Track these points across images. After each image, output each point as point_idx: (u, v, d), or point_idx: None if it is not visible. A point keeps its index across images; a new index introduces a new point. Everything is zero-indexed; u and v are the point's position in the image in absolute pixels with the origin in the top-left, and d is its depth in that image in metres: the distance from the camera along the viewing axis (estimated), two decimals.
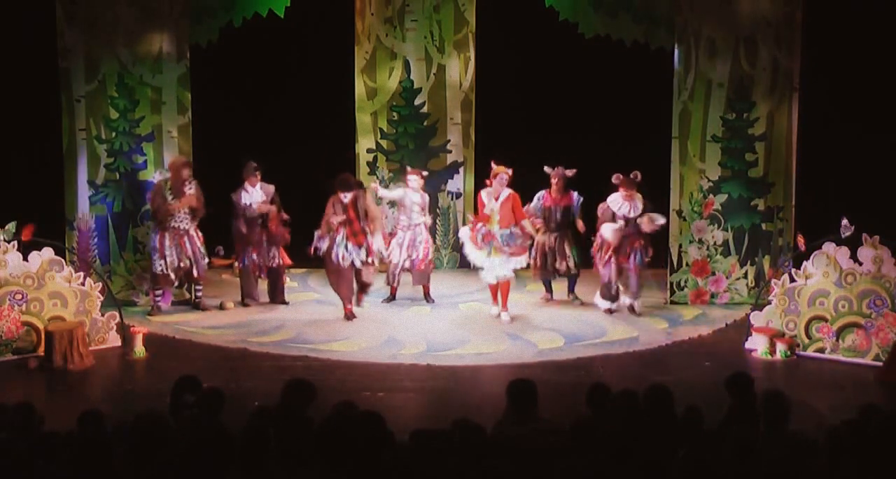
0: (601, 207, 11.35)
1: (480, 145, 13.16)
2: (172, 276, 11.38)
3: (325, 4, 12.88)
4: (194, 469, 5.43)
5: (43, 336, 10.01)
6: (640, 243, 11.29)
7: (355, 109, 13.30)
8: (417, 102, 13.33)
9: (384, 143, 13.37)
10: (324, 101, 13.50)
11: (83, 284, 10.35)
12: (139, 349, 10.23)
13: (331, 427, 5.82)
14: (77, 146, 11.69)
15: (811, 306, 10.20)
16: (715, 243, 11.87)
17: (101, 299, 10.46)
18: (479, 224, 11.23)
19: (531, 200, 11.63)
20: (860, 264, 10.01)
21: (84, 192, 11.75)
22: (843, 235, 10.02)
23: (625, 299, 11.55)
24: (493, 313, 11.55)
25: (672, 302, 11.88)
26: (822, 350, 10.18)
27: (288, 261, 11.94)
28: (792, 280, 10.30)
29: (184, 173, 11.30)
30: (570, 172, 11.49)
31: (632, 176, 11.18)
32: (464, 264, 13.35)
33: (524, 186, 11.69)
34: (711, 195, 11.80)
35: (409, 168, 12.28)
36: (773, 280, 10.70)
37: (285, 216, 11.78)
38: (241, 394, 8.71)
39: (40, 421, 6.46)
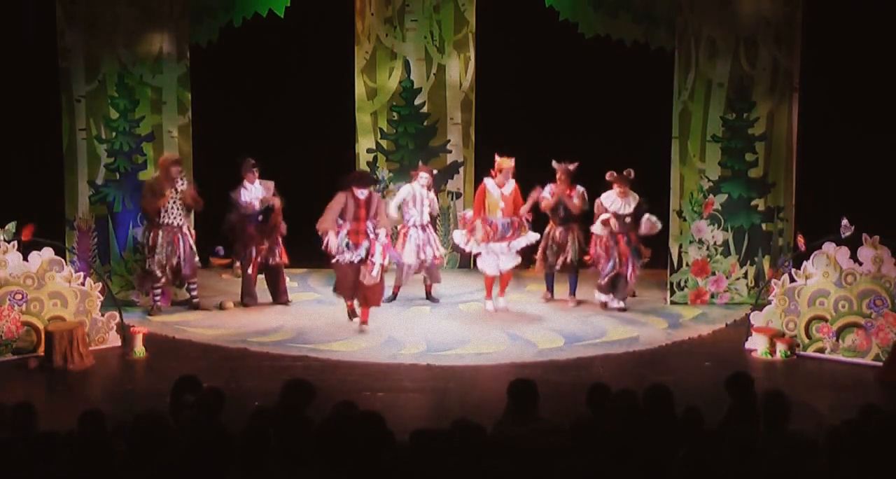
0: (596, 203, 11.44)
1: (480, 145, 13.17)
2: (159, 273, 11.34)
3: (325, 4, 12.88)
4: (194, 469, 5.43)
5: (43, 336, 10.00)
6: (635, 239, 11.37)
7: (355, 109, 13.30)
8: (417, 102, 13.33)
9: (384, 143, 13.38)
10: (324, 101, 13.51)
11: (83, 284, 10.35)
12: (139, 349, 10.22)
13: (331, 427, 5.82)
14: (77, 146, 11.70)
15: (811, 306, 10.20)
16: (715, 243, 11.87)
17: (101, 299, 10.46)
18: (477, 221, 11.41)
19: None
20: (860, 264, 10.01)
21: (84, 192, 11.76)
22: (843, 235, 10.02)
23: (613, 302, 11.62)
24: (489, 309, 11.65)
25: (672, 302, 11.88)
26: (822, 350, 10.18)
27: (285, 260, 11.92)
28: (792, 280, 10.30)
29: (172, 171, 11.28)
30: (571, 166, 11.52)
31: (625, 173, 11.28)
32: (464, 264, 13.41)
33: (523, 186, 11.74)
34: (711, 195, 11.80)
35: (420, 163, 12.32)
36: (773, 280, 10.70)
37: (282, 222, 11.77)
38: (241, 394, 8.70)
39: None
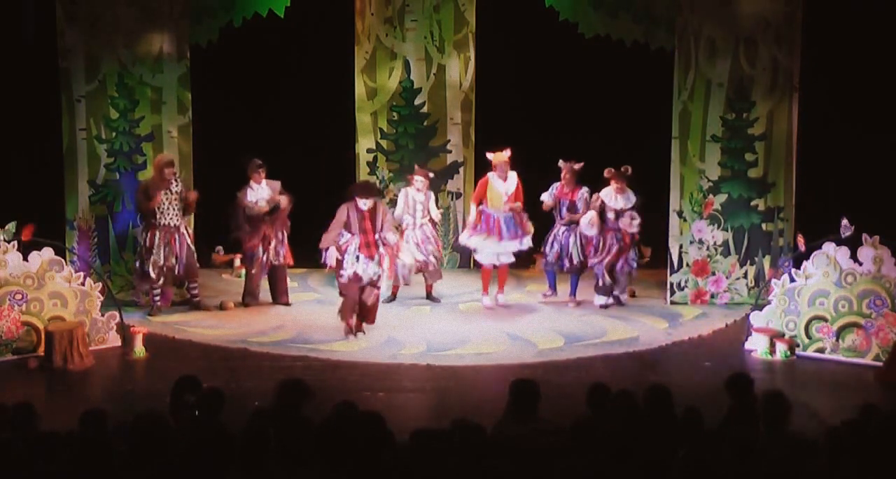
0: (593, 198, 11.52)
1: (480, 145, 13.15)
2: (155, 275, 11.34)
3: (325, 4, 12.88)
4: (194, 469, 5.43)
5: (43, 336, 10.01)
6: (633, 237, 11.48)
7: (355, 109, 13.29)
8: (417, 102, 13.32)
9: (384, 143, 13.37)
10: (324, 101, 13.50)
11: (83, 284, 10.35)
12: (139, 349, 10.23)
13: (331, 427, 5.82)
14: (77, 146, 11.70)
15: (811, 306, 10.20)
16: (715, 243, 11.87)
17: (101, 299, 10.46)
18: (479, 209, 11.61)
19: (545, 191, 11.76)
20: (860, 263, 10.01)
21: (84, 192, 11.76)
22: (843, 235, 10.02)
23: (615, 292, 11.72)
24: (486, 303, 11.74)
25: (672, 302, 11.88)
26: (822, 350, 10.18)
27: (290, 261, 11.92)
28: (792, 280, 10.30)
29: (165, 172, 11.27)
30: (577, 166, 11.54)
31: (623, 169, 11.35)
32: (464, 264, 13.41)
33: (524, 186, 11.76)
34: (711, 195, 11.80)
35: (416, 167, 12.32)
36: (773, 280, 10.70)
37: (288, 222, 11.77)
38: (241, 394, 8.70)
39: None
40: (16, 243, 10.03)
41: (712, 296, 11.91)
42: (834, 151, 12.30)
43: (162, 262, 11.30)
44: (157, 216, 11.27)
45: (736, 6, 11.57)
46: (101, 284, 10.58)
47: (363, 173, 13.26)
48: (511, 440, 6.11)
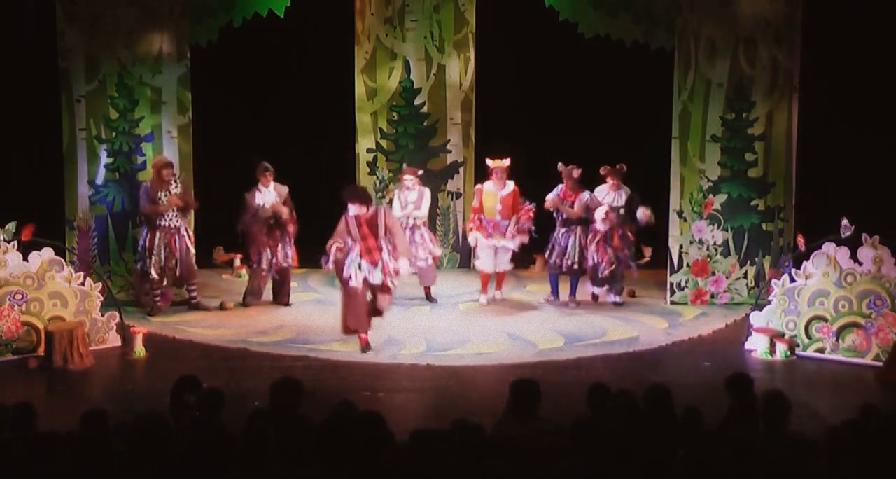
0: (591, 196, 11.56)
1: (480, 145, 13.16)
2: (156, 275, 11.34)
3: (325, 4, 12.88)
4: (194, 469, 5.43)
5: (43, 336, 10.01)
6: (632, 236, 11.54)
7: (355, 109, 13.29)
8: (417, 102, 13.33)
9: (384, 143, 13.37)
10: (324, 101, 13.51)
11: (83, 284, 10.35)
12: (139, 349, 10.23)
13: (331, 427, 5.82)
14: (77, 146, 11.70)
15: (811, 306, 10.20)
16: (715, 243, 11.87)
17: (101, 299, 10.46)
18: (477, 217, 11.67)
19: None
20: (860, 263, 10.01)
21: (84, 192, 11.76)
22: (843, 235, 10.02)
23: (609, 296, 11.76)
24: (482, 302, 11.85)
25: (672, 302, 11.88)
26: (822, 350, 10.18)
27: (296, 263, 11.91)
28: (792, 280, 10.30)
29: (164, 173, 11.27)
30: (576, 173, 11.54)
31: (618, 167, 11.43)
32: (464, 264, 13.41)
33: (524, 187, 11.77)
34: (711, 195, 11.80)
35: (405, 166, 12.31)
36: (773, 280, 10.70)
37: (293, 220, 11.75)
38: (241, 394, 8.70)
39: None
40: (16, 243, 10.03)
41: (712, 296, 11.91)
42: (834, 151, 12.30)
43: (162, 262, 11.31)
44: (157, 218, 11.28)
45: (736, 6, 11.57)
46: (101, 284, 10.58)
47: (363, 173, 13.27)
48: (511, 440, 6.11)
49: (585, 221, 11.58)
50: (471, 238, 11.99)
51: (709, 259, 11.88)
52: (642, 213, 11.43)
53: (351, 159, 13.31)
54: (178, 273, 11.44)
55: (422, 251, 11.73)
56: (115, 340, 10.49)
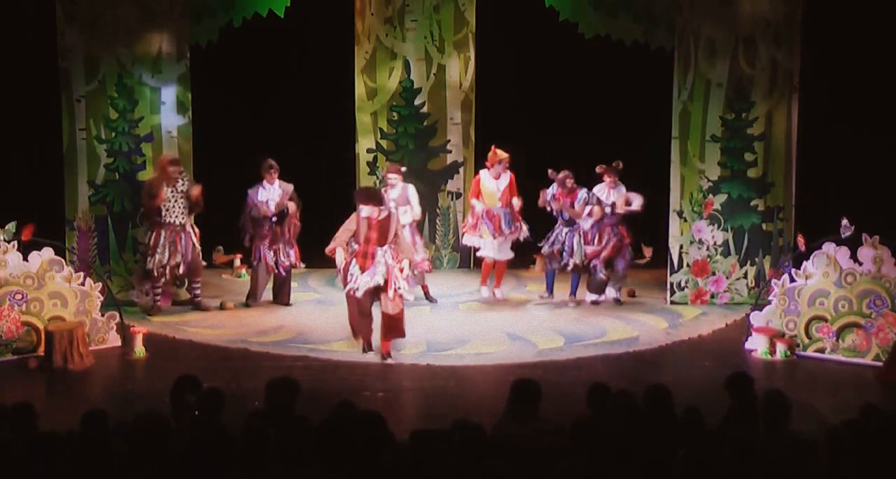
0: (589, 194, 11.60)
1: (480, 145, 13.16)
2: (157, 273, 11.35)
3: (325, 4, 12.88)
4: (194, 469, 5.43)
5: (43, 336, 10.00)
6: (630, 235, 11.60)
7: (355, 109, 13.29)
8: (417, 102, 13.33)
9: (384, 143, 13.37)
10: (324, 101, 13.51)
11: (83, 284, 10.35)
12: (139, 349, 10.22)
13: (331, 427, 5.82)
14: (77, 146, 11.69)
15: (811, 306, 10.20)
16: (715, 243, 11.87)
17: (101, 299, 10.46)
18: (474, 220, 11.81)
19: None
20: (860, 264, 10.01)
21: (84, 192, 11.76)
22: (843, 235, 10.02)
23: (610, 292, 11.78)
24: (484, 295, 11.92)
25: (672, 302, 11.88)
26: (822, 350, 10.17)
27: (298, 263, 11.89)
28: (792, 280, 10.30)
29: (170, 170, 11.28)
30: (569, 182, 11.55)
31: (614, 165, 11.48)
32: (464, 264, 13.41)
33: (523, 187, 11.77)
34: (711, 195, 11.80)
35: (388, 164, 12.30)
36: (773, 280, 10.70)
37: (297, 221, 11.75)
38: (241, 394, 8.69)
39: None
40: (16, 243, 10.02)
41: (712, 296, 11.91)
42: (834, 151, 12.30)
43: (165, 261, 11.31)
44: (163, 214, 11.29)
45: (736, 6, 11.57)
46: (101, 284, 10.58)
47: (363, 173, 13.27)
48: (511, 440, 6.11)
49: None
50: (467, 240, 12.03)
51: (709, 259, 11.88)
52: (635, 199, 11.48)
53: (351, 159, 13.31)
54: (181, 271, 11.44)
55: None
56: (115, 340, 10.49)
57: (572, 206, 11.60)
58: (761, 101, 11.70)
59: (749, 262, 11.92)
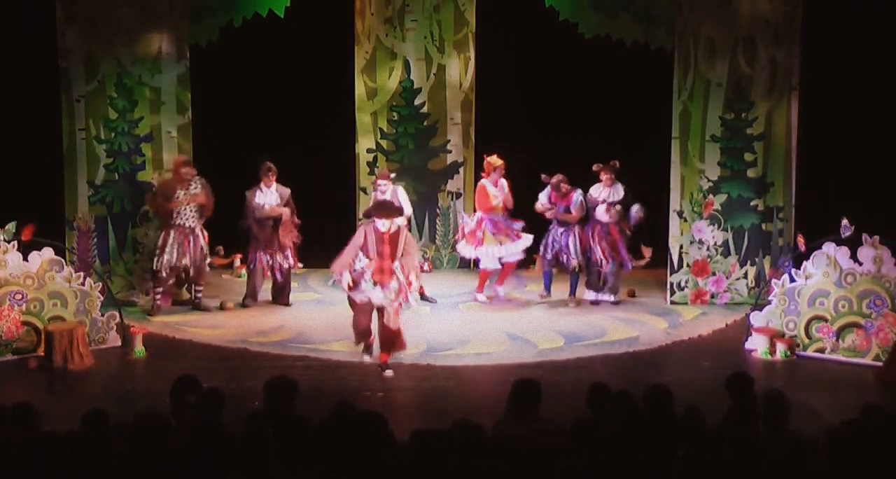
0: (588, 196, 11.63)
1: (480, 145, 13.16)
2: (164, 274, 11.35)
3: (325, 4, 12.88)
4: (194, 469, 5.43)
5: (43, 336, 10.01)
6: (627, 233, 11.59)
7: (355, 109, 13.29)
8: (417, 102, 13.33)
9: (384, 143, 13.37)
10: (324, 101, 13.50)
11: (83, 284, 10.35)
12: (139, 349, 10.23)
13: (331, 427, 5.82)
14: (77, 146, 11.69)
15: (811, 306, 10.20)
16: (715, 243, 11.87)
17: (101, 299, 10.46)
18: (480, 215, 11.79)
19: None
20: (860, 263, 10.01)
21: (84, 192, 11.75)
22: (843, 235, 10.02)
23: (606, 296, 11.79)
24: (480, 300, 11.93)
25: (672, 302, 11.88)
26: (822, 350, 10.18)
27: (296, 264, 11.88)
28: (792, 280, 10.30)
29: (184, 171, 11.29)
30: (564, 187, 11.57)
31: (611, 164, 11.52)
32: (464, 265, 13.40)
33: (523, 187, 11.78)
34: (711, 195, 11.80)
35: (377, 171, 12.28)
36: (773, 280, 10.70)
37: (297, 221, 11.73)
38: (241, 394, 8.70)
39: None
40: (16, 243, 10.03)
41: (712, 296, 11.91)
42: (834, 150, 12.30)
43: (173, 262, 11.31)
44: (174, 216, 11.29)
45: (735, 6, 11.57)
46: (101, 284, 10.58)
47: (363, 173, 13.26)
48: (511, 440, 6.11)
49: (583, 219, 11.62)
50: (467, 252, 12.00)
51: (709, 259, 11.88)
52: (636, 211, 11.45)
53: (351, 159, 13.30)
54: (191, 274, 11.45)
55: None
56: (115, 340, 10.49)
57: (567, 210, 11.60)
58: (761, 101, 11.70)
59: (749, 262, 11.92)
